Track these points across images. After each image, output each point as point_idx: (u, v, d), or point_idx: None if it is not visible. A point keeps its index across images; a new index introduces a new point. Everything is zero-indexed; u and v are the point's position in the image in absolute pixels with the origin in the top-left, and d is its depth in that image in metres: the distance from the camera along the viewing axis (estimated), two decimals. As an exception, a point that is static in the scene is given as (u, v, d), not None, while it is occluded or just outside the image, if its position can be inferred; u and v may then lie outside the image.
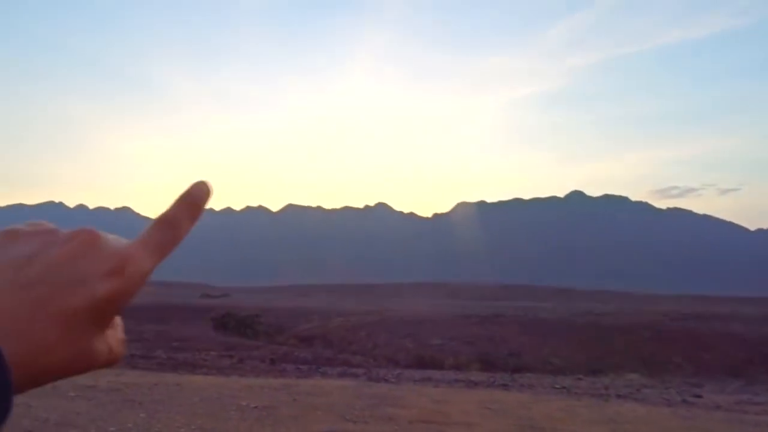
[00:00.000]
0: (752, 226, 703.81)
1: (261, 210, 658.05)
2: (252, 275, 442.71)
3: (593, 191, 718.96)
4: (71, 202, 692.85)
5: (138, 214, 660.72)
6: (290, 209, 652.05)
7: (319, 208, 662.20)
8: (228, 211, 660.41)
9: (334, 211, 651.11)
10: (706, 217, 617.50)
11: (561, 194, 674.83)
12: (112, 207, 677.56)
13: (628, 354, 23.56)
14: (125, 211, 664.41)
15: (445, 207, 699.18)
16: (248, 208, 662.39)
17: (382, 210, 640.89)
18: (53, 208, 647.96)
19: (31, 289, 0.62)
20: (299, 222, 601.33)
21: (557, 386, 12.66)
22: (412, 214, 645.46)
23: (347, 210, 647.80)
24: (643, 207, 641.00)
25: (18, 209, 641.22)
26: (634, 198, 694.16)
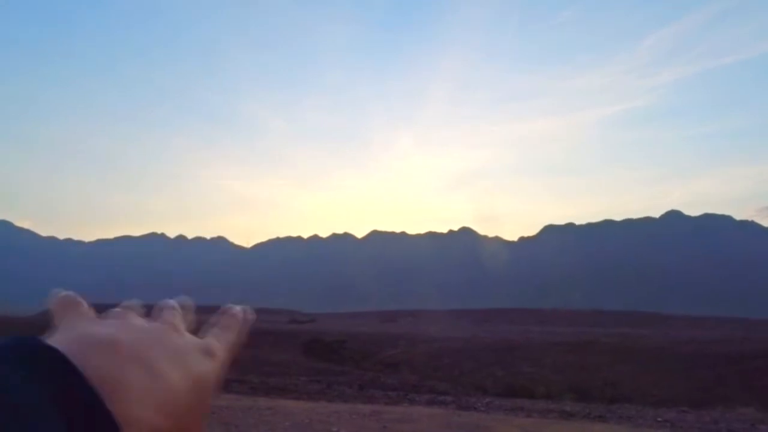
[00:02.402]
0: None
1: (347, 236, 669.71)
2: (338, 301, 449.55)
3: (692, 210, 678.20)
4: (172, 233, 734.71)
5: (231, 243, 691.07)
6: (375, 235, 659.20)
7: (403, 233, 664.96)
8: (315, 238, 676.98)
9: (418, 236, 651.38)
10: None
11: (656, 214, 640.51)
12: (208, 237, 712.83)
13: (739, 386, 21.78)
14: (220, 240, 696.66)
15: (531, 230, 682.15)
16: (334, 235, 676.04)
17: (466, 235, 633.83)
18: (156, 238, 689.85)
19: (178, 361, 0.66)
20: (384, 248, 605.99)
21: (660, 419, 11.88)
22: (497, 238, 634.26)
23: (431, 235, 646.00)
24: (749, 226, 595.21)
25: (125, 240, 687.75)
26: (738, 217, 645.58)
